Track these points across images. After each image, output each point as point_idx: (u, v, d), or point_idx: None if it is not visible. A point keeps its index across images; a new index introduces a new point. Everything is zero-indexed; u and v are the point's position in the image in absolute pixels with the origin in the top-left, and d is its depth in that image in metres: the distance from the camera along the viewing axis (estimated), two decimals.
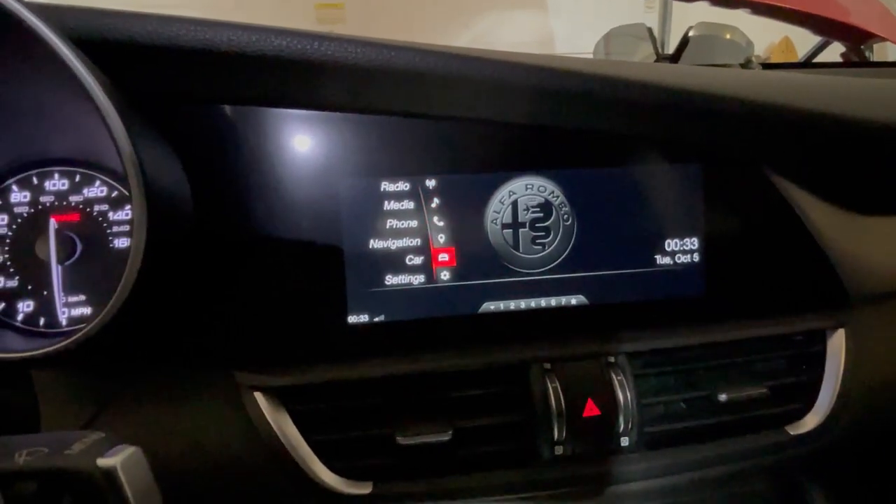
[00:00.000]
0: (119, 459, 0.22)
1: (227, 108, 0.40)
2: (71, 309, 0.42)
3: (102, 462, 0.22)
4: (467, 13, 2.29)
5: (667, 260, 0.45)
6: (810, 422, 0.48)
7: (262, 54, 0.36)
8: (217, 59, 0.36)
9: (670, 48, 0.87)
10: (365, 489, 0.42)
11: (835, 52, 1.01)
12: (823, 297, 0.48)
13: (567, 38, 2.32)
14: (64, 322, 0.42)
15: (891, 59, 1.15)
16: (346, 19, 2.08)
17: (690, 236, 0.45)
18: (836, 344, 0.48)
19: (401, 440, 0.41)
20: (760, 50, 2.66)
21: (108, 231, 0.43)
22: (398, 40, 0.39)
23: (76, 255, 0.42)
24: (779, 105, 0.43)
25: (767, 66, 0.77)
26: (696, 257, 0.46)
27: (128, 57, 0.35)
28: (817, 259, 0.47)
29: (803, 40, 1.16)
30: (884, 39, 0.99)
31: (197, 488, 0.42)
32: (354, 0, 2.16)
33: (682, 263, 0.46)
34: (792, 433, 0.47)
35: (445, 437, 0.41)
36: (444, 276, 0.43)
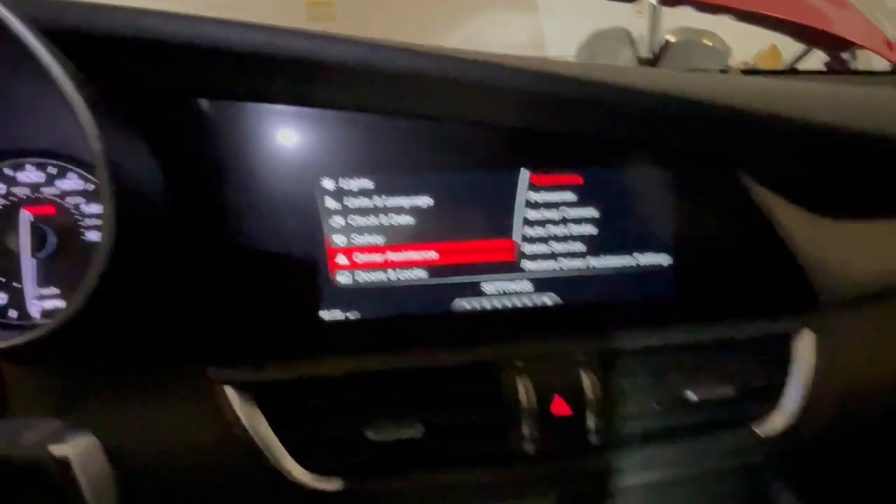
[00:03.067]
0: (72, 448, 0.22)
1: (205, 103, 0.40)
2: (44, 302, 0.42)
3: (55, 450, 0.22)
4: (459, 14, 2.29)
5: (639, 261, 0.46)
6: (778, 422, 0.48)
7: (241, 50, 0.36)
8: (194, 54, 0.36)
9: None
10: (335, 485, 0.42)
11: (820, 59, 1.03)
12: (793, 300, 0.49)
13: (558, 40, 2.33)
14: (37, 315, 0.42)
15: (875, 68, 1.17)
16: (335, 17, 2.08)
17: (663, 238, 0.46)
18: (805, 346, 0.49)
19: (372, 436, 0.41)
20: (749, 56, 2.68)
21: (82, 224, 0.43)
22: (378, 39, 0.39)
23: (49, 248, 0.42)
24: (753, 110, 0.44)
25: (747, 72, 0.78)
26: (669, 258, 0.46)
27: (102, 50, 0.35)
28: (787, 262, 0.48)
29: (792, 48, 1.18)
30: (862, 48, 1.01)
31: (167, 483, 0.42)
32: None
33: (655, 264, 0.46)
34: (760, 433, 0.48)
35: (416, 434, 0.41)
36: (419, 273, 0.44)
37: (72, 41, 0.33)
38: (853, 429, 0.53)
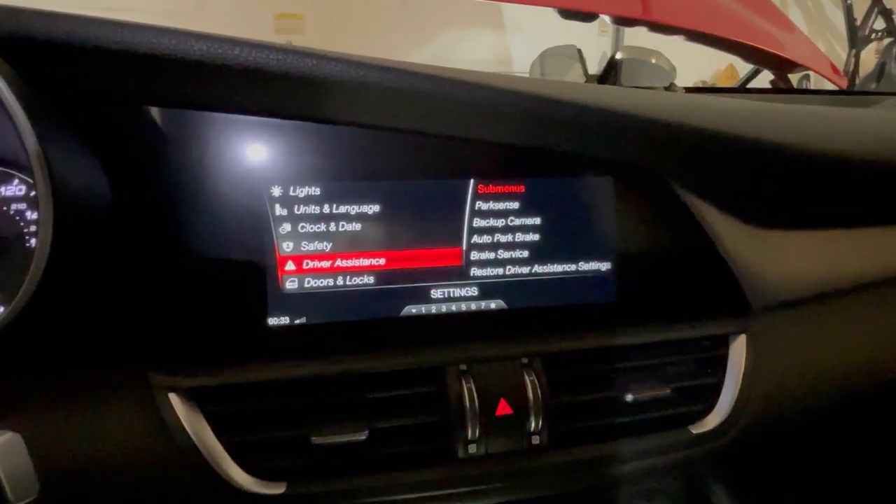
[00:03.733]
0: None
1: (152, 109, 0.40)
2: None
3: None
4: (427, 30, 2.33)
5: (581, 267, 0.48)
6: (712, 421, 0.50)
7: (182, 58, 0.37)
8: (137, 61, 0.37)
9: None
10: (278, 489, 0.42)
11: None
12: (726, 305, 0.51)
13: (524, 57, 2.39)
14: None
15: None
16: (304, 30, 2.08)
17: (603, 245, 0.48)
18: (738, 349, 0.51)
19: (316, 440, 0.41)
20: (708, 76, 2.79)
21: (26, 230, 0.42)
22: (328, 51, 0.40)
23: None
24: (690, 124, 0.46)
25: (691, 89, 0.82)
26: (608, 265, 0.48)
27: (46, 57, 0.35)
28: (721, 269, 0.50)
29: (749, 68, 1.23)
30: (807, 69, 1.06)
31: (108, 490, 0.41)
32: (314, 12, 2.16)
33: (596, 270, 0.48)
34: (695, 432, 0.50)
35: (361, 437, 0.42)
36: (368, 279, 0.44)
37: (11, 46, 0.33)
38: (784, 426, 0.55)
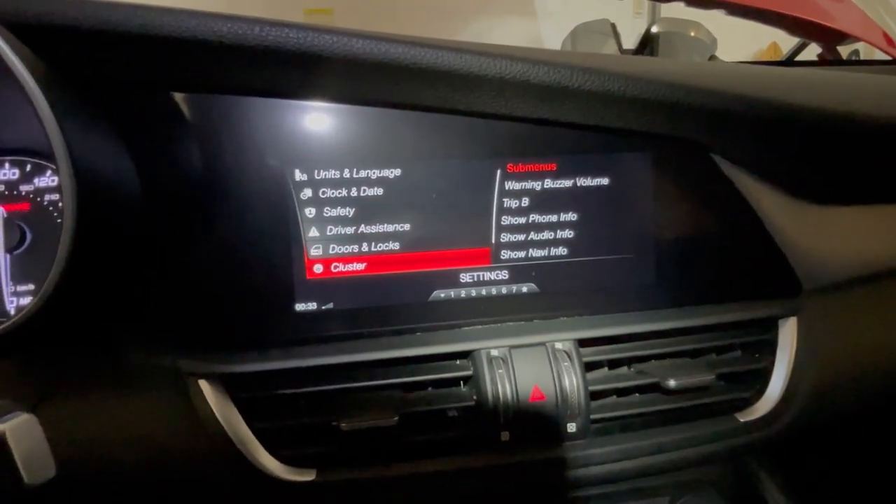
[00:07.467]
0: (8, 425, 0.22)
1: (177, 95, 0.40)
2: (20, 298, 0.42)
3: None
4: (457, 20, 2.30)
5: (618, 248, 0.46)
6: (761, 409, 0.48)
7: (203, 39, 0.36)
8: (160, 45, 0.36)
9: None
10: (308, 476, 0.41)
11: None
12: (776, 286, 0.48)
13: (556, 44, 2.33)
14: (12, 311, 0.42)
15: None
16: (334, 24, 2.08)
17: (641, 225, 0.46)
18: (789, 332, 0.48)
19: (345, 426, 0.40)
20: (749, 56, 2.67)
21: (59, 220, 0.43)
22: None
23: (25, 245, 0.42)
24: (737, 94, 0.43)
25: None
26: (648, 245, 0.46)
27: (66, 42, 0.35)
28: (770, 248, 0.47)
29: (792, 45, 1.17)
30: (857, 40, 1.00)
31: (139, 476, 0.42)
32: (344, 6, 2.17)
33: (634, 251, 0.46)
34: (742, 420, 0.47)
35: (391, 423, 0.41)
36: (395, 264, 0.43)
37: (33, 32, 0.33)
38: (832, 413, 0.51)
